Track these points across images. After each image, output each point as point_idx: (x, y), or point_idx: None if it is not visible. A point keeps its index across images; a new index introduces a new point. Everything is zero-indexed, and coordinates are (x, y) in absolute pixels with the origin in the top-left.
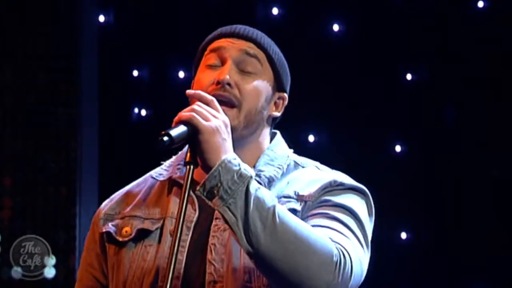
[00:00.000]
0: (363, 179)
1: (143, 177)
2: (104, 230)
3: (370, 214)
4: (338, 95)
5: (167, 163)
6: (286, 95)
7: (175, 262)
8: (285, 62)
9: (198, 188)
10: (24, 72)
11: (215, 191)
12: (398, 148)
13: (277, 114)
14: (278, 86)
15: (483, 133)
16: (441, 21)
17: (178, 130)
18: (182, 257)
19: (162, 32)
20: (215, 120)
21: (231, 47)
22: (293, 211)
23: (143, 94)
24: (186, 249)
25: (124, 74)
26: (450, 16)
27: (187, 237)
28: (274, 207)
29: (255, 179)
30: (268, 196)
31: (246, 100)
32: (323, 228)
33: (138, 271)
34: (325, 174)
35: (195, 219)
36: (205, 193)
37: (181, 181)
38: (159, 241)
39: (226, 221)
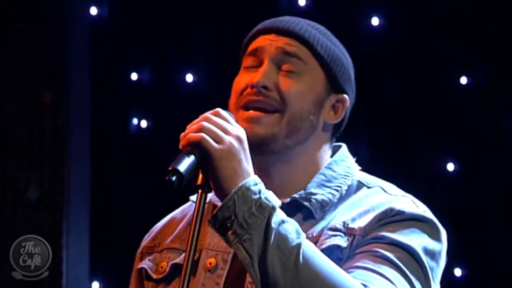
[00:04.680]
0: None
1: (191, 198)
2: (139, 266)
3: (438, 252)
4: (377, 102)
5: None
6: (346, 97)
7: None
8: (343, 58)
9: (209, 218)
10: (1, 76)
11: (228, 224)
12: (450, 167)
13: (335, 120)
14: (333, 86)
15: None
16: (502, 12)
17: (186, 163)
18: None
19: (167, 27)
20: (227, 138)
21: (269, 45)
22: (337, 248)
23: (144, 102)
24: (222, 286)
25: (120, 78)
26: None
27: (223, 272)
28: (299, 246)
29: (305, 204)
30: (293, 232)
31: (288, 103)
32: (364, 271)
33: None
34: (386, 199)
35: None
36: (216, 226)
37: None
38: (195, 277)
39: (240, 260)
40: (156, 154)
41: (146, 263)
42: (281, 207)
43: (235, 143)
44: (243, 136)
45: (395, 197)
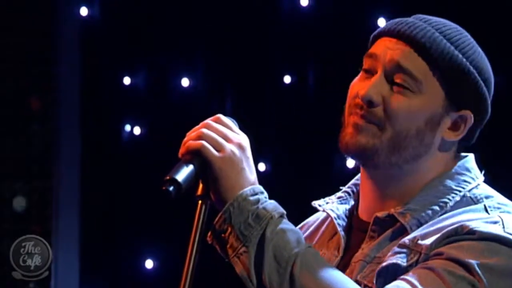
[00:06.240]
0: None
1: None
2: None
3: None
4: None
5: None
6: (470, 114)
7: None
8: (471, 70)
9: (209, 233)
10: None
11: (226, 238)
12: None
13: (456, 138)
14: (454, 103)
15: None
16: None
17: (184, 172)
18: None
19: (162, 28)
20: (228, 146)
21: (385, 53)
22: (398, 266)
23: (137, 107)
24: None
25: (113, 82)
26: None
27: None
28: (296, 255)
29: (400, 220)
30: (293, 241)
31: (391, 122)
32: (398, 282)
33: None
34: (471, 217)
35: (335, 264)
36: (214, 241)
37: (333, 215)
38: None
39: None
40: (150, 162)
41: None
42: (377, 221)
43: (237, 151)
44: (246, 143)
45: (484, 216)
